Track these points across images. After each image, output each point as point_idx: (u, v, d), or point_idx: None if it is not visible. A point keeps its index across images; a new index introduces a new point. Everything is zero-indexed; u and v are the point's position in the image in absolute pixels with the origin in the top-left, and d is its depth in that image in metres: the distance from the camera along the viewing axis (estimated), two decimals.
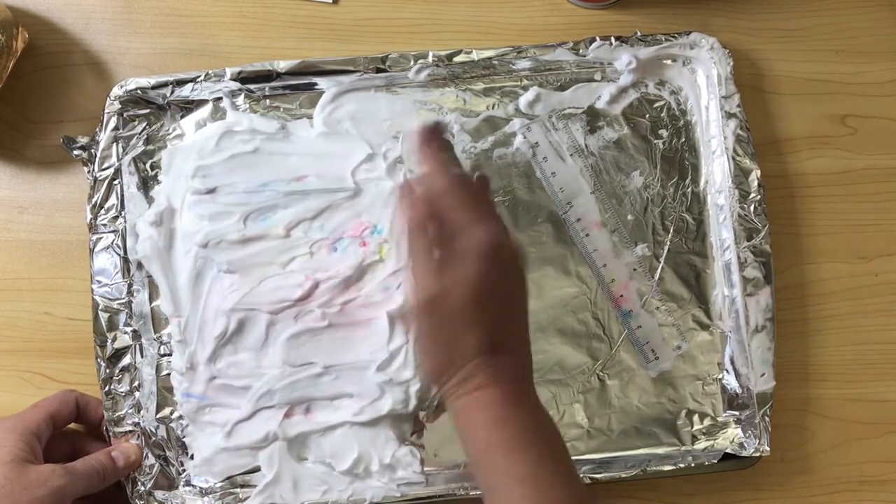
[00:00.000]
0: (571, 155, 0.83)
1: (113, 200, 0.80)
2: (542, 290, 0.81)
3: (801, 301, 0.85)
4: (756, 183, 0.80)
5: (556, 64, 0.83)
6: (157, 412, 0.79)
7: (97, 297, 0.79)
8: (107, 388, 0.78)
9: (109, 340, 0.79)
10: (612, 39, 0.82)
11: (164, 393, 0.80)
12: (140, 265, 0.80)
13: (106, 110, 0.81)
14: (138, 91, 0.81)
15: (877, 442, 0.84)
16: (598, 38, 0.82)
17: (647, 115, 0.84)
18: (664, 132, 0.83)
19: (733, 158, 0.80)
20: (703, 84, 0.83)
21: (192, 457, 0.79)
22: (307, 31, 0.86)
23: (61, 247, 0.83)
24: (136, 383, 0.79)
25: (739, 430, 0.80)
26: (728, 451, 0.79)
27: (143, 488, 0.77)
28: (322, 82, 0.82)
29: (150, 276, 0.80)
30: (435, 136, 0.69)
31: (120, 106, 0.81)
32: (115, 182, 0.80)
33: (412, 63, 0.82)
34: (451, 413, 0.65)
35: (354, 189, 0.81)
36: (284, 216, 0.81)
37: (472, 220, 0.64)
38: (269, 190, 0.81)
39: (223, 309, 0.79)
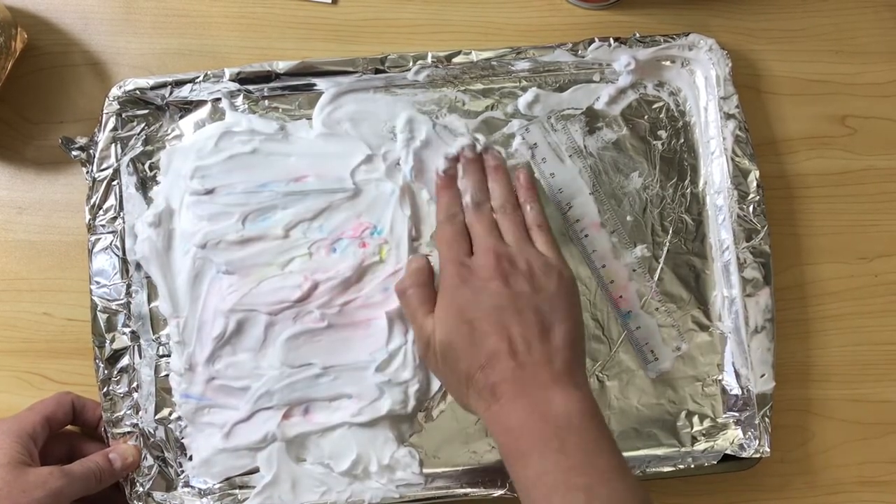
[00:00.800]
0: (570, 156, 0.83)
1: (112, 201, 0.80)
2: None
3: (800, 301, 0.85)
4: (755, 184, 0.80)
5: (554, 65, 0.83)
6: (156, 413, 0.79)
7: (96, 298, 0.79)
8: (105, 389, 0.78)
9: (108, 341, 0.79)
10: (611, 40, 0.82)
11: (163, 394, 0.79)
12: (139, 266, 0.80)
13: (105, 111, 0.81)
14: (137, 91, 0.81)
15: (877, 442, 0.84)
16: (597, 40, 0.82)
17: (646, 116, 0.84)
18: (663, 133, 0.83)
19: (732, 159, 0.80)
20: (701, 85, 0.83)
21: (190, 458, 0.79)
22: (306, 31, 0.86)
23: (60, 247, 0.83)
24: (134, 384, 0.79)
25: (739, 432, 0.80)
26: (728, 452, 0.78)
27: (141, 489, 0.77)
28: (321, 83, 0.82)
29: (148, 277, 0.80)
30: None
31: (119, 106, 0.81)
32: (114, 183, 0.80)
33: (411, 64, 0.82)
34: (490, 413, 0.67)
35: (354, 190, 0.81)
36: (283, 217, 0.81)
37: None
38: (267, 191, 0.81)
39: (222, 310, 0.79)
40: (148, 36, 0.86)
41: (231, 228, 0.80)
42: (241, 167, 0.81)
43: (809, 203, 0.86)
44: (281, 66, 0.81)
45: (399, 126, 0.82)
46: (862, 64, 0.88)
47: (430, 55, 0.82)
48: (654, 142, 0.83)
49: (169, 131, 0.83)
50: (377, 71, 0.82)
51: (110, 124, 0.81)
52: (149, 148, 0.82)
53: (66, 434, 0.79)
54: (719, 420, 0.81)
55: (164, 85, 0.81)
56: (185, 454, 0.79)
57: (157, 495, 0.78)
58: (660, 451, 0.80)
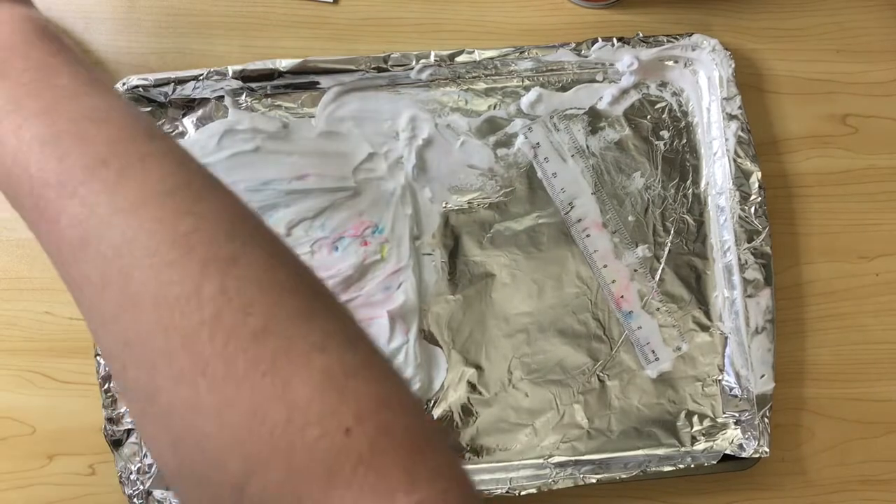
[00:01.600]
0: (573, 156, 0.83)
1: None
2: (543, 290, 0.81)
3: (801, 301, 0.85)
4: (757, 185, 0.80)
5: (557, 64, 0.83)
6: None
7: None
8: (106, 387, 0.78)
9: None
10: (614, 40, 0.82)
11: None
12: None
13: None
14: (140, 89, 0.81)
15: (877, 442, 0.84)
16: (600, 39, 0.82)
17: (649, 117, 0.84)
18: (665, 133, 0.83)
19: (734, 160, 0.80)
20: (704, 86, 0.83)
21: None
22: (308, 30, 0.86)
23: None
24: None
25: (739, 432, 0.80)
26: (727, 452, 0.79)
27: (141, 487, 0.77)
28: (324, 81, 0.82)
29: None
30: None
31: None
32: None
33: (414, 63, 0.82)
34: None
35: (356, 188, 0.81)
36: (285, 215, 0.81)
37: None
38: (270, 189, 0.81)
39: None
40: (149, 35, 0.85)
41: None
42: (244, 165, 0.81)
43: (810, 202, 0.86)
44: (284, 64, 0.81)
45: (401, 125, 0.82)
46: (864, 63, 0.88)
47: (432, 54, 0.82)
48: (657, 142, 0.83)
49: (171, 129, 0.82)
50: (380, 70, 0.82)
51: None
52: None
53: None
54: (719, 420, 0.81)
55: (166, 82, 0.81)
56: None
57: (158, 493, 0.77)
58: (660, 451, 0.80)
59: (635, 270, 0.82)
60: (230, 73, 0.81)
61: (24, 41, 0.52)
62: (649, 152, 0.83)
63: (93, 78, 0.52)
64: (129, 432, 0.78)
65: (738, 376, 0.80)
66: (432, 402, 0.80)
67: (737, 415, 0.80)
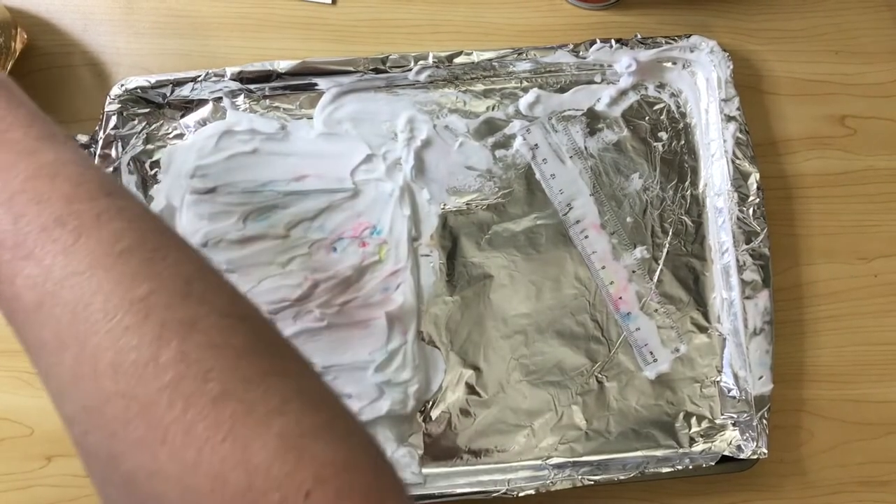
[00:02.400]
0: (571, 157, 0.83)
1: None
2: (541, 291, 0.81)
3: (800, 302, 0.84)
4: (755, 186, 0.80)
5: (556, 66, 0.83)
6: None
7: None
8: None
9: None
10: (613, 42, 0.82)
11: None
12: None
13: (105, 109, 0.81)
14: (138, 90, 0.81)
15: (876, 443, 0.84)
16: (598, 41, 0.82)
17: (647, 118, 0.84)
18: (664, 135, 0.83)
19: (732, 161, 0.80)
20: (702, 87, 0.83)
21: None
22: (306, 31, 0.86)
23: None
24: None
25: (737, 433, 0.80)
26: (726, 453, 0.78)
27: None
28: (322, 83, 0.82)
29: None
30: None
31: (119, 105, 0.81)
32: None
33: (412, 64, 0.82)
34: None
35: (354, 190, 0.81)
36: (284, 216, 0.81)
37: None
38: (268, 190, 0.81)
39: None
40: (148, 36, 0.85)
41: (231, 228, 0.80)
42: (242, 166, 0.81)
43: (809, 203, 0.86)
44: (282, 65, 0.81)
45: (400, 126, 0.83)
46: (862, 64, 0.88)
47: (431, 55, 0.82)
48: (655, 143, 0.83)
49: (170, 130, 0.83)
50: (378, 71, 0.82)
51: (111, 123, 0.81)
52: (149, 147, 0.82)
53: None
54: (717, 421, 0.81)
55: (165, 84, 0.81)
56: None
57: None
58: (658, 453, 0.80)
59: (633, 272, 0.82)
60: (228, 74, 0.81)
61: None
62: (647, 153, 0.83)
63: (46, 132, 0.51)
64: None
65: (736, 377, 0.80)
66: (430, 403, 0.80)
67: (735, 416, 0.80)
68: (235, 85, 0.82)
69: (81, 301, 0.44)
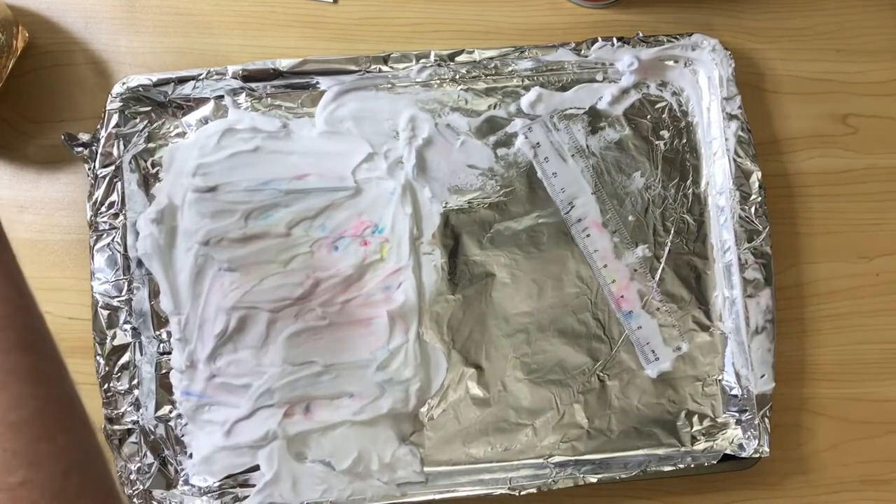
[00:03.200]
0: (573, 155, 0.83)
1: (114, 198, 0.80)
2: (543, 290, 0.82)
3: (801, 301, 0.85)
4: (757, 184, 0.80)
5: (557, 64, 0.83)
6: (156, 410, 0.79)
7: (97, 295, 0.79)
8: (106, 386, 0.78)
9: (109, 338, 0.79)
10: (614, 40, 0.82)
11: (164, 391, 0.80)
12: (140, 263, 0.80)
13: (107, 107, 0.81)
14: (140, 88, 0.81)
15: (877, 442, 0.84)
16: (599, 39, 0.82)
17: (649, 116, 0.84)
18: (665, 133, 0.83)
19: (734, 160, 0.80)
20: (704, 85, 0.83)
21: (190, 456, 0.79)
22: (307, 30, 0.86)
23: (62, 246, 0.83)
24: (135, 381, 0.79)
25: (739, 431, 0.80)
26: (727, 452, 0.79)
27: (141, 487, 0.77)
28: (324, 81, 0.82)
29: (150, 274, 0.80)
30: None
31: (121, 103, 0.81)
32: (116, 179, 0.80)
33: (414, 62, 0.82)
34: None
35: (355, 188, 0.81)
36: (285, 215, 0.81)
37: None
38: (270, 188, 0.81)
39: (223, 307, 0.79)
40: (149, 35, 0.85)
41: (233, 226, 0.80)
42: (244, 165, 0.81)
43: (811, 202, 0.86)
44: (284, 63, 0.81)
45: (401, 124, 0.83)
46: (864, 63, 0.88)
47: (432, 54, 0.82)
48: (657, 142, 0.83)
49: (171, 128, 0.83)
50: (380, 69, 0.82)
51: (113, 121, 0.81)
52: (151, 145, 0.82)
53: None
54: (719, 420, 0.81)
55: (166, 82, 0.81)
56: (186, 452, 0.79)
57: (157, 493, 0.78)
58: (660, 451, 0.80)
59: (635, 270, 0.82)
60: (230, 72, 0.81)
61: None
62: (649, 152, 0.83)
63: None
64: (128, 432, 0.78)
65: (738, 376, 0.80)
66: (432, 402, 0.80)
67: (737, 414, 0.80)
68: (237, 83, 0.82)
69: None
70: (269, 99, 0.83)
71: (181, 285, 0.80)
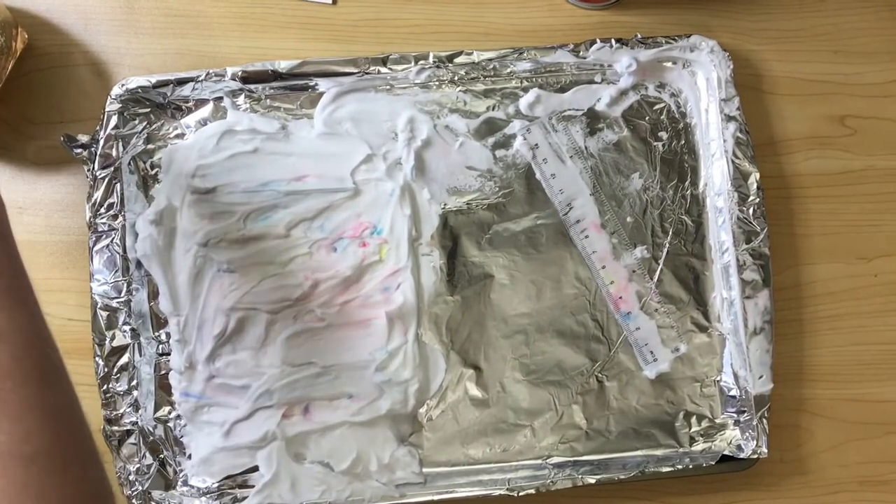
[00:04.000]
0: (571, 157, 0.83)
1: (113, 199, 0.80)
2: (542, 291, 0.82)
3: (800, 301, 0.85)
4: (755, 186, 0.80)
5: (556, 66, 0.83)
6: (155, 411, 0.79)
7: (96, 296, 0.79)
8: (105, 387, 0.78)
9: (108, 339, 0.79)
10: (613, 42, 0.82)
11: (163, 392, 0.80)
12: (139, 264, 0.80)
13: (106, 109, 0.81)
14: (139, 90, 0.81)
15: (876, 442, 0.84)
16: (598, 41, 0.82)
17: (647, 118, 0.84)
18: (664, 134, 0.84)
19: (732, 161, 0.80)
20: (702, 87, 0.83)
21: (189, 456, 0.79)
22: (306, 31, 0.86)
23: (61, 247, 0.83)
24: (134, 382, 0.79)
25: (737, 432, 0.80)
26: (726, 452, 0.79)
27: (140, 488, 0.77)
28: (322, 83, 0.82)
29: (149, 275, 0.80)
30: None
31: (120, 105, 0.81)
32: (115, 181, 0.80)
33: (413, 64, 0.82)
34: None
35: (354, 189, 0.81)
36: (284, 216, 0.81)
37: None
38: (269, 190, 0.81)
39: (222, 308, 0.79)
40: (148, 36, 0.86)
41: (232, 227, 0.80)
42: (243, 166, 0.81)
43: (809, 203, 0.86)
44: (283, 65, 0.81)
45: (400, 126, 0.83)
46: (861, 64, 0.88)
47: (431, 55, 0.82)
48: (655, 143, 0.83)
49: (170, 130, 0.83)
50: (378, 71, 0.82)
51: (112, 122, 0.81)
52: (150, 146, 0.82)
53: None
54: (717, 421, 0.81)
55: (166, 83, 0.81)
56: (185, 453, 0.79)
57: (156, 494, 0.78)
58: (658, 452, 0.80)
59: (634, 271, 0.82)
60: (229, 74, 0.81)
61: None
62: (648, 153, 0.83)
63: (12, 286, 0.51)
64: (128, 433, 0.78)
65: (736, 377, 0.80)
66: (431, 402, 0.80)
67: (735, 415, 0.80)
68: (236, 85, 0.82)
69: None
70: (268, 100, 0.83)
71: (180, 286, 0.80)
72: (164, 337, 0.80)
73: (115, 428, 0.78)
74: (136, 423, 0.78)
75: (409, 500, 0.77)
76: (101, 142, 0.80)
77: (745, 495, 0.83)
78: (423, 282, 0.81)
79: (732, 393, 0.80)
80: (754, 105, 0.86)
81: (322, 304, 0.79)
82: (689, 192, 0.83)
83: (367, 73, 0.82)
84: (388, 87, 0.84)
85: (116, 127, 0.81)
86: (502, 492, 0.77)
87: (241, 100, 0.83)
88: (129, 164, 0.81)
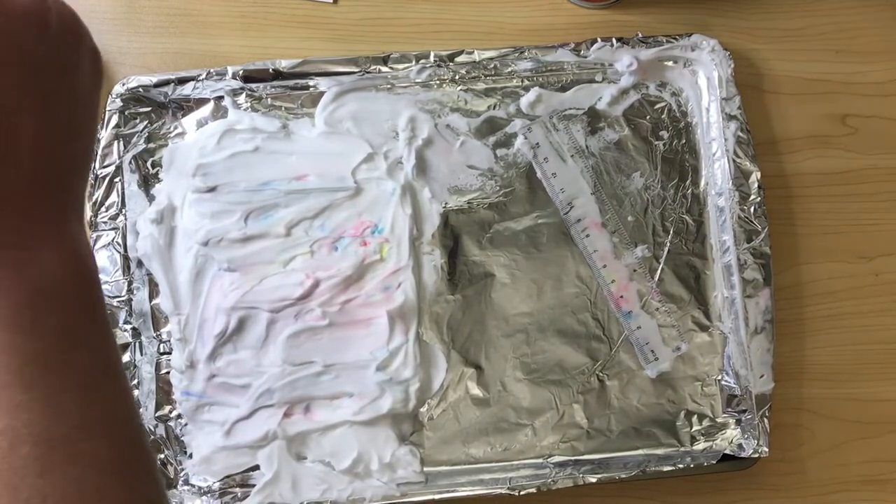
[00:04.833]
0: (572, 156, 0.83)
1: (114, 198, 0.80)
2: (543, 290, 0.82)
3: (801, 301, 0.85)
4: (756, 185, 0.80)
5: (557, 65, 0.83)
6: (156, 410, 0.79)
7: None
8: None
9: None
10: (614, 41, 0.82)
11: (164, 391, 0.80)
12: (140, 263, 0.80)
13: (107, 108, 0.81)
14: (140, 89, 0.81)
15: (876, 442, 0.84)
16: (599, 40, 0.82)
17: (648, 117, 0.84)
18: (665, 134, 0.84)
19: (733, 160, 0.80)
20: (703, 86, 0.83)
21: (190, 456, 0.79)
22: (307, 30, 0.86)
23: None
24: (135, 381, 0.79)
25: (738, 431, 0.80)
26: (727, 452, 0.79)
27: None
28: (323, 82, 0.82)
29: (150, 274, 0.80)
30: None
31: (121, 104, 0.81)
32: (116, 180, 0.81)
33: (414, 63, 0.82)
34: None
35: (355, 188, 0.81)
36: (285, 215, 0.81)
37: None
38: (269, 189, 0.81)
39: (223, 307, 0.79)
40: (149, 35, 0.86)
41: (233, 226, 0.80)
42: (244, 165, 0.81)
43: (810, 202, 0.86)
44: (284, 64, 0.82)
45: (401, 125, 0.83)
46: (863, 63, 0.88)
47: (432, 54, 0.82)
48: (656, 142, 0.83)
49: (171, 129, 0.83)
50: (379, 70, 0.82)
51: (113, 121, 0.81)
52: (151, 145, 0.82)
53: None
54: (718, 420, 0.81)
55: (167, 82, 0.82)
56: (185, 452, 0.79)
57: None
58: (659, 451, 0.80)
59: (634, 270, 0.82)
60: (230, 73, 0.81)
61: (66, 292, 0.47)
62: (649, 152, 0.83)
63: (109, 363, 0.49)
64: None
65: (737, 376, 0.80)
66: (432, 402, 0.80)
67: (736, 415, 0.80)
68: (237, 84, 0.82)
69: None
70: (268, 99, 0.83)
71: (181, 285, 0.80)
72: (164, 336, 0.80)
73: None
74: None
75: (410, 500, 0.77)
76: (102, 141, 0.80)
77: (745, 494, 0.82)
78: (424, 281, 0.81)
79: (733, 392, 0.80)
80: (755, 104, 0.86)
81: (323, 304, 0.79)
82: (690, 191, 0.83)
83: (367, 73, 0.82)
84: (389, 86, 0.84)
85: (117, 126, 0.81)
86: (503, 491, 0.77)
87: (241, 99, 0.83)
88: (130, 162, 0.81)
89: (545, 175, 0.83)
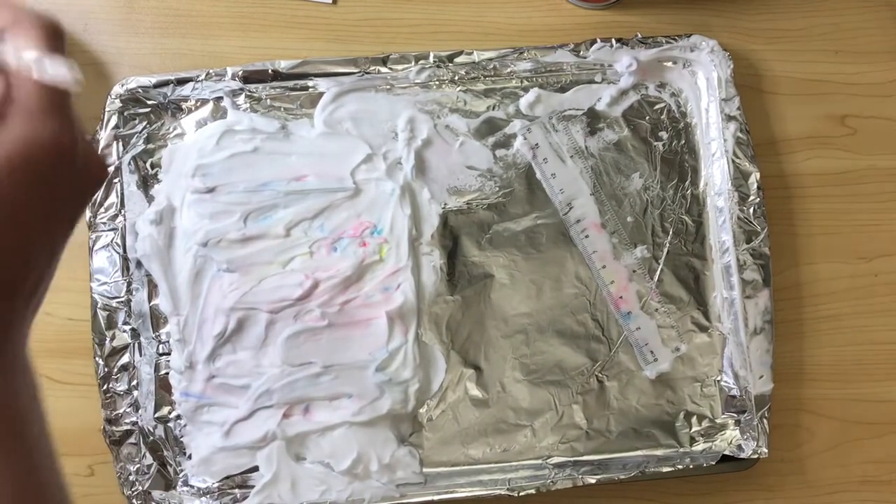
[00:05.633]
0: (572, 156, 0.83)
1: (113, 199, 0.80)
2: (542, 291, 0.82)
3: (800, 301, 0.85)
4: (755, 186, 0.80)
5: (556, 65, 0.83)
6: (156, 411, 0.79)
7: (96, 296, 0.79)
8: (105, 387, 0.78)
9: (108, 339, 0.79)
10: (613, 41, 0.82)
11: (163, 392, 0.80)
12: (139, 264, 0.80)
13: (106, 108, 0.81)
14: (139, 90, 0.81)
15: (876, 442, 0.84)
16: (598, 40, 0.82)
17: (648, 118, 0.84)
18: (664, 134, 0.84)
19: (733, 161, 0.80)
20: (703, 86, 0.83)
21: (189, 456, 0.79)
22: (307, 31, 0.86)
23: None
24: (134, 382, 0.79)
25: (738, 432, 0.80)
26: (726, 452, 0.79)
27: (140, 488, 0.77)
28: (323, 82, 0.82)
29: (149, 275, 0.80)
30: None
31: (121, 104, 0.81)
32: (115, 180, 0.80)
33: (413, 63, 0.82)
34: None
35: (354, 189, 0.81)
36: (284, 216, 0.81)
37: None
38: (269, 189, 0.81)
39: (223, 308, 0.79)
40: (148, 36, 0.85)
41: (232, 227, 0.80)
42: (243, 166, 0.81)
43: (809, 203, 0.86)
44: (283, 65, 0.81)
45: (400, 125, 0.83)
46: (862, 64, 0.88)
47: (431, 55, 0.82)
48: (655, 143, 0.83)
49: (170, 129, 0.83)
50: (379, 70, 0.82)
51: (112, 122, 0.81)
52: (150, 146, 0.82)
53: None
54: (718, 421, 0.81)
55: (166, 83, 0.81)
56: (185, 453, 0.79)
57: (156, 494, 0.78)
58: (658, 452, 0.80)
59: (634, 271, 0.82)
60: (229, 73, 0.81)
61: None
62: (648, 153, 0.83)
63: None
64: (127, 433, 0.78)
65: (736, 377, 0.80)
66: (432, 402, 0.80)
67: (736, 415, 0.80)
68: (236, 84, 0.82)
69: None
70: (268, 100, 0.83)
71: (180, 286, 0.80)
72: (164, 337, 0.80)
73: (115, 428, 0.78)
74: (136, 423, 0.78)
75: (409, 501, 0.77)
76: (102, 142, 0.80)
77: (745, 495, 0.83)
78: (423, 281, 0.81)
79: (733, 393, 0.80)
80: (755, 105, 0.86)
81: (322, 304, 0.79)
82: (689, 191, 0.83)
83: (367, 73, 0.82)
84: (388, 86, 0.83)
85: (116, 126, 0.81)
86: (502, 492, 0.77)
87: (241, 99, 0.83)
88: (130, 163, 0.81)
89: (544, 176, 0.83)
